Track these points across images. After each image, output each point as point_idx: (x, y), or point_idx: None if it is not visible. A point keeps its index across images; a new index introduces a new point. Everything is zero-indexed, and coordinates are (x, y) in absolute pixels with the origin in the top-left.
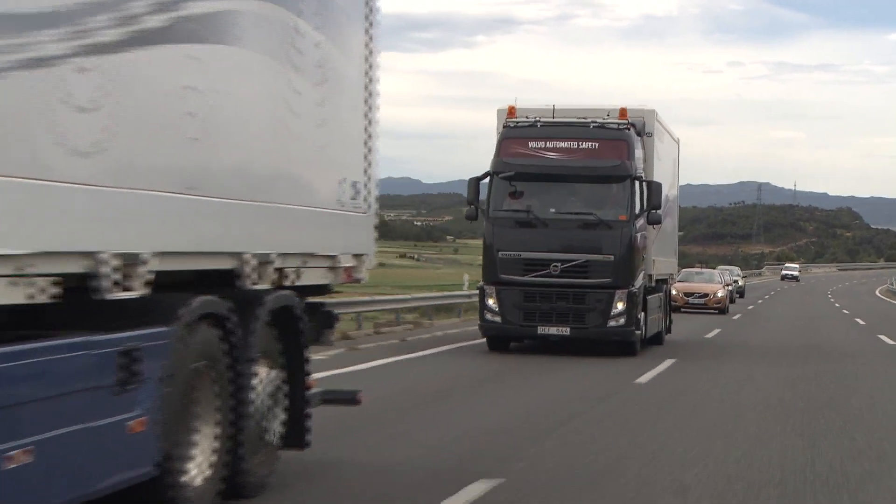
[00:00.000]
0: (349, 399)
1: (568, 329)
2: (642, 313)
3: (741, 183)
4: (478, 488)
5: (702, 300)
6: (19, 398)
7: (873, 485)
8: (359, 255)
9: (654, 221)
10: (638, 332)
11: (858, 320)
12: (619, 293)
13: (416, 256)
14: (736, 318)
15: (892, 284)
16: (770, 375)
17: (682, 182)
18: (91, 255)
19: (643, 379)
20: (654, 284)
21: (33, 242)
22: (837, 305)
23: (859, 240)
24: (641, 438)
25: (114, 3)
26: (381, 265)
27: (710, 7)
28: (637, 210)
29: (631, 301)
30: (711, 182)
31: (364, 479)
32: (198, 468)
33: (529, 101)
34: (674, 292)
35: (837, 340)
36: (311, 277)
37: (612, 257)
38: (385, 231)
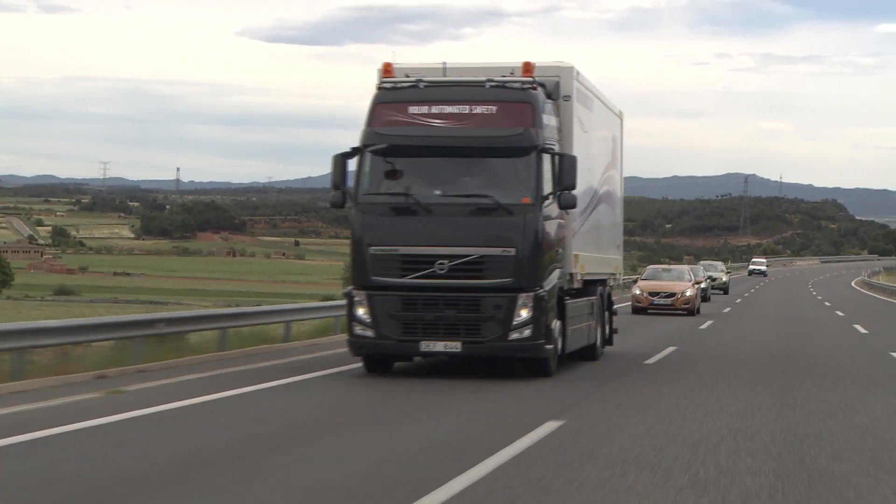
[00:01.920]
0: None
1: (459, 344)
2: (556, 322)
3: (728, 174)
4: None
5: (668, 300)
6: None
7: None
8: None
9: (568, 205)
10: (549, 347)
11: (858, 327)
12: (523, 297)
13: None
14: (705, 326)
15: (866, 277)
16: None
17: (669, 174)
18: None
19: (532, 436)
20: (577, 286)
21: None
22: (827, 303)
23: (844, 231)
24: None
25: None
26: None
27: None
28: (546, 191)
29: (539, 307)
30: (699, 174)
31: None
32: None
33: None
34: (637, 292)
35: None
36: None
37: (513, 251)
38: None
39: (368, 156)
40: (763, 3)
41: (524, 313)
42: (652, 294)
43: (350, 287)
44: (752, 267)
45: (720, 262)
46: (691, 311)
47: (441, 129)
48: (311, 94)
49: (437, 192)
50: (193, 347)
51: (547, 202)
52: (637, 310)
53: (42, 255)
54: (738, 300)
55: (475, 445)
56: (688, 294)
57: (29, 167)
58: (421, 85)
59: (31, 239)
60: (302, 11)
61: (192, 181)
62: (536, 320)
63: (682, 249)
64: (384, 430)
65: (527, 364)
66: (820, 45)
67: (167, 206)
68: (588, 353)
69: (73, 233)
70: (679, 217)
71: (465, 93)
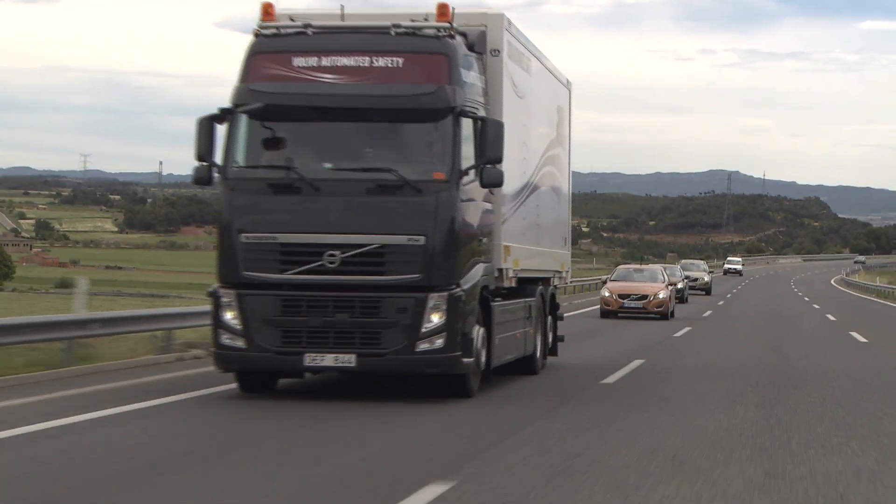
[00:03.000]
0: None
1: (353, 357)
2: (479, 329)
3: (711, 171)
4: None
5: (639, 303)
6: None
7: None
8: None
9: (492, 183)
10: (468, 361)
11: (856, 335)
12: (434, 298)
13: None
14: (680, 333)
15: (846, 275)
16: None
17: (651, 171)
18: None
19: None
20: (509, 285)
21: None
22: (816, 306)
23: (826, 229)
24: None
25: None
26: None
27: None
28: (465, 165)
29: (455, 310)
30: (682, 171)
31: None
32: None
33: None
34: (606, 294)
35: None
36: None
37: (422, 240)
38: None
39: (241, 119)
40: None
41: (436, 318)
42: (622, 296)
43: (216, 285)
44: (727, 266)
45: (702, 261)
46: (665, 315)
47: (333, 85)
48: None
49: (328, 166)
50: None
51: (466, 179)
52: (606, 313)
53: (31, 249)
54: (721, 302)
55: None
56: (661, 296)
57: (4, 158)
58: (309, 31)
59: (15, 232)
60: (283, 3)
61: (172, 174)
62: (451, 327)
63: (665, 247)
64: (209, 484)
65: (442, 381)
66: (805, 41)
67: (148, 200)
68: (525, 366)
69: (56, 226)
70: (662, 214)
71: (365, 41)
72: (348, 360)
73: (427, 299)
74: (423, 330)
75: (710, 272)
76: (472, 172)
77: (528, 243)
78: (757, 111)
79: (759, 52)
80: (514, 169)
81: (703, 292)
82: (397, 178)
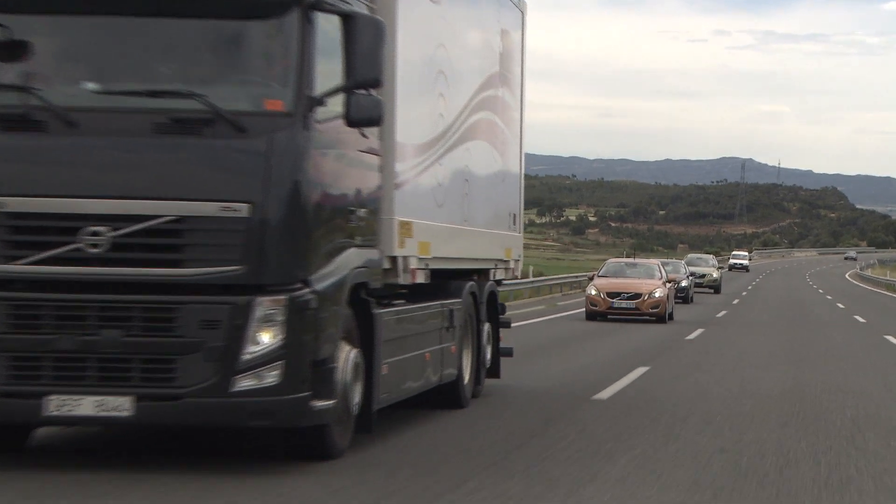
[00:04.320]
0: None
1: (129, 402)
2: (349, 353)
3: (724, 159)
4: None
5: (632, 303)
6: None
7: None
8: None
9: (364, 119)
10: (325, 405)
11: (891, 338)
12: (264, 304)
13: None
14: (693, 336)
15: (862, 270)
16: None
17: (661, 157)
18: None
19: None
20: (412, 281)
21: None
22: (840, 305)
23: (843, 221)
24: None
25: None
26: None
27: None
28: (320, 89)
29: (300, 323)
30: (693, 158)
31: None
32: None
33: None
34: (593, 292)
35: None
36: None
37: (244, 209)
38: None
39: None
40: None
41: (266, 337)
42: (611, 295)
43: None
44: (732, 261)
45: (710, 256)
46: (661, 317)
47: None
48: None
49: (91, 87)
50: None
51: (323, 112)
52: (592, 314)
53: None
54: (736, 301)
55: None
56: (657, 295)
57: None
58: None
59: None
60: None
61: None
62: (293, 351)
63: (675, 238)
64: None
65: (286, 436)
66: (824, 22)
67: None
68: (447, 397)
69: None
70: (672, 203)
71: None
72: (120, 405)
73: (252, 307)
74: (245, 357)
75: (720, 268)
76: (331, 102)
77: (448, 220)
78: (772, 96)
79: (775, 33)
80: (422, 108)
81: (712, 290)
82: (205, 108)
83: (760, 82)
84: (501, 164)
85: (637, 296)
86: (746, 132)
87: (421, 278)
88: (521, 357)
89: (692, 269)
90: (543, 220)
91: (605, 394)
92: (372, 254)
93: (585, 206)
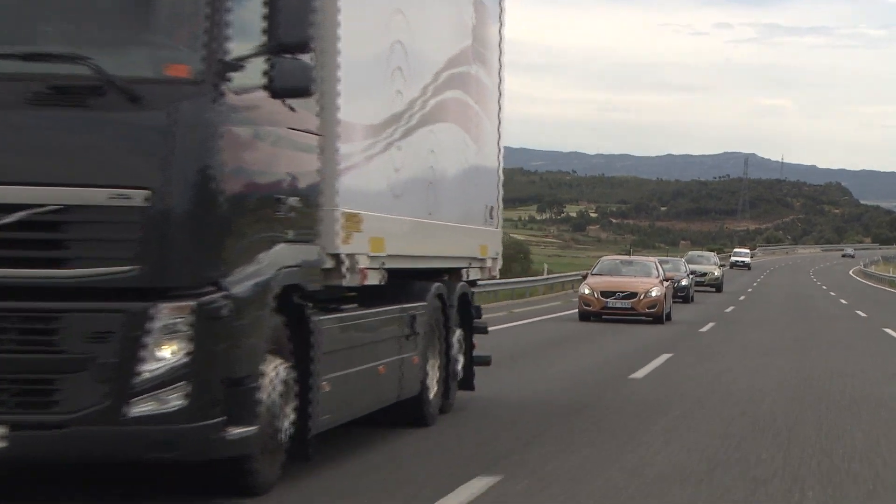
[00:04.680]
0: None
1: (0, 431)
2: (278, 369)
3: (726, 154)
4: None
5: (627, 302)
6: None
7: None
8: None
9: (290, 88)
10: (242, 433)
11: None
12: (165, 312)
13: None
14: (705, 330)
15: (865, 266)
16: None
17: (662, 152)
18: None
19: None
20: (362, 283)
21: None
22: (844, 301)
23: (847, 217)
24: None
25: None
26: None
27: None
28: (235, 52)
29: (210, 335)
30: (695, 153)
31: None
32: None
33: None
34: (586, 291)
35: None
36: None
37: (139, 196)
38: None
39: None
40: None
41: (168, 352)
42: (605, 294)
43: None
44: (733, 258)
45: (712, 253)
46: (658, 317)
47: None
48: None
49: None
50: None
51: (240, 80)
52: (585, 315)
53: None
54: (742, 297)
55: None
56: (654, 294)
57: None
58: None
59: None
60: None
61: None
62: (203, 369)
63: (677, 234)
64: None
65: (206, 468)
66: (827, 15)
67: None
68: (409, 414)
69: None
70: (674, 199)
71: None
72: None
73: (151, 315)
74: (142, 376)
75: (722, 266)
76: (250, 68)
77: (409, 213)
78: (775, 90)
79: (778, 26)
80: (373, 82)
81: (713, 289)
82: (92, 74)
83: (763, 76)
84: (476, 150)
85: (633, 295)
86: (749, 127)
87: (374, 279)
88: (504, 364)
89: (693, 267)
90: (543, 216)
91: (590, 409)
92: (308, 251)
93: (586, 202)
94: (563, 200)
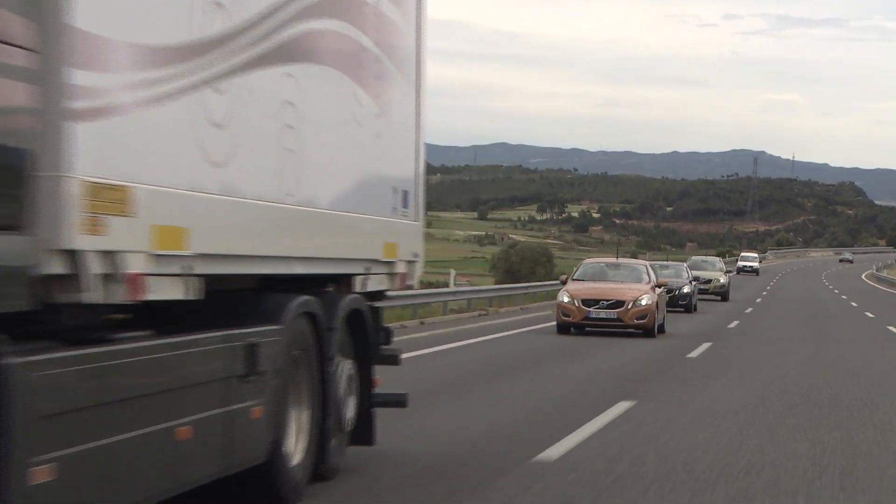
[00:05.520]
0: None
1: None
2: None
3: (734, 151)
4: None
5: (612, 312)
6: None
7: None
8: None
9: None
10: None
11: None
12: None
13: None
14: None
15: (877, 270)
16: None
17: (667, 150)
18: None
19: None
20: (136, 298)
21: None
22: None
23: (861, 218)
24: None
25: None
26: None
27: None
28: None
29: None
30: (702, 150)
31: None
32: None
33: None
34: (565, 300)
35: None
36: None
37: None
38: None
39: None
40: None
41: None
42: (587, 303)
43: None
44: (741, 263)
45: (717, 258)
46: (648, 330)
47: None
48: None
49: None
50: None
51: None
52: (564, 326)
53: None
54: (749, 309)
55: None
56: (643, 303)
57: None
58: None
59: None
60: None
61: None
62: None
63: (683, 236)
64: None
65: None
66: (841, 6)
67: None
68: (254, 491)
69: None
70: (680, 199)
71: None
72: None
73: None
74: None
75: (728, 272)
76: None
77: (241, 189)
78: (786, 85)
79: (789, 17)
80: None
81: (718, 298)
82: None
83: (773, 70)
84: (377, 112)
85: (619, 304)
86: (758, 123)
87: (167, 291)
88: (425, 399)
89: (696, 273)
90: (544, 216)
91: (550, 455)
92: (8, 244)
93: (588, 201)
94: (565, 200)
